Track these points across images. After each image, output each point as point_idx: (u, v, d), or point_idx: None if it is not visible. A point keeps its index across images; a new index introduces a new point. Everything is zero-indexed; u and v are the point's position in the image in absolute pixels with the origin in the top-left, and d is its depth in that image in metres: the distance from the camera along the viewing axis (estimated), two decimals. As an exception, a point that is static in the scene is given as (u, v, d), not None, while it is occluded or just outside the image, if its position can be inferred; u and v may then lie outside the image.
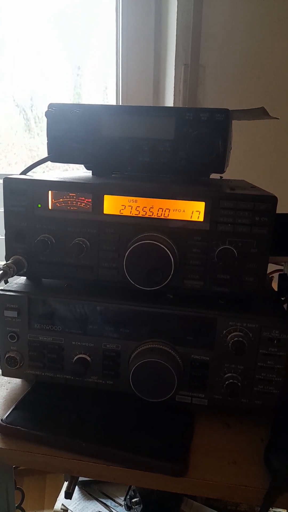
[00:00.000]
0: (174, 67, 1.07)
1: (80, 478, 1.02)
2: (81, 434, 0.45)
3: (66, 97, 1.32)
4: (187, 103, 1.07)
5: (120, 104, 1.18)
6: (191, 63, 1.07)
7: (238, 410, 0.49)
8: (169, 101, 1.10)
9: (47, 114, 0.50)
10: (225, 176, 0.66)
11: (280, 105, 1.09)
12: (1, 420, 0.46)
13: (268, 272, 0.62)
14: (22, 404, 0.49)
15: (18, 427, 0.45)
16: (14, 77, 1.26)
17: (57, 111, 0.50)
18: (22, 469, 0.58)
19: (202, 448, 0.46)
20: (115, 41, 1.18)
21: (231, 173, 0.64)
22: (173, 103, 1.08)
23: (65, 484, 0.69)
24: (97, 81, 1.31)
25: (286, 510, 0.63)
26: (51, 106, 0.50)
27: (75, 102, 1.34)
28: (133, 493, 0.91)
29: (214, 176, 0.61)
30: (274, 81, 1.09)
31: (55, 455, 0.44)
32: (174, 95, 1.08)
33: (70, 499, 0.51)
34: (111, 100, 1.25)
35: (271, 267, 0.62)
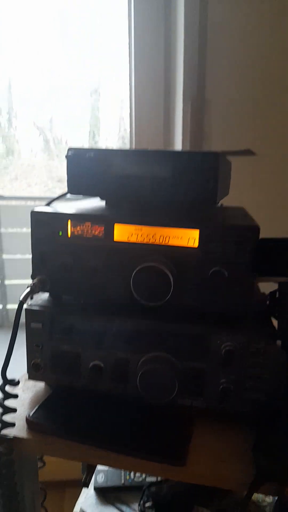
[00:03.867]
0: (182, 102, 1.17)
1: (97, 485, 1.08)
2: (95, 431, 0.53)
3: (85, 119, 1.42)
4: (194, 135, 1.17)
5: (134, 135, 1.29)
6: (197, 97, 1.17)
7: (231, 414, 0.56)
8: (178, 133, 1.19)
9: (67, 156, 0.60)
10: (230, 201, 0.74)
11: (281, 137, 1.17)
12: (28, 415, 0.54)
13: (269, 291, 0.69)
14: (46, 404, 0.58)
15: (42, 422, 0.53)
16: (34, 99, 1.36)
17: (75, 155, 0.59)
18: (40, 481, 0.65)
19: (201, 445, 0.53)
20: (128, 74, 1.30)
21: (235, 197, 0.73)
22: (182, 135, 1.17)
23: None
24: (113, 108, 1.42)
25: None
26: (70, 150, 0.60)
27: (93, 124, 1.45)
28: (146, 499, 0.97)
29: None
30: (275, 111, 1.17)
31: (74, 446, 0.52)
32: (182, 127, 1.17)
33: (87, 487, 0.58)
34: (126, 125, 1.36)
35: (271, 287, 0.69)
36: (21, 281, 1.45)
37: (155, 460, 0.50)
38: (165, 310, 0.57)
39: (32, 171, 1.48)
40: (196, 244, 0.54)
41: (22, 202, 1.43)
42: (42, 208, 0.61)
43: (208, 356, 0.55)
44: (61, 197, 0.63)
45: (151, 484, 0.99)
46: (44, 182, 1.48)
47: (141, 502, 0.98)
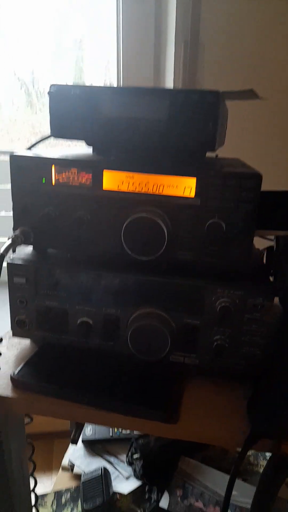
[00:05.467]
0: (174, 45, 1.08)
1: (86, 438, 1.10)
2: (85, 388, 0.51)
3: (68, 71, 1.32)
4: (186, 81, 1.09)
5: (121, 81, 1.19)
6: (191, 40, 1.08)
7: (226, 369, 0.54)
8: (169, 79, 1.11)
9: (49, 94, 0.53)
10: (222, 154, 0.69)
11: (277, 85, 1.10)
12: (13, 374, 0.52)
13: (261, 248, 0.66)
14: (32, 362, 0.55)
15: (28, 380, 0.51)
16: (15, 51, 1.25)
17: (58, 92, 0.53)
18: (28, 434, 0.65)
19: (193, 401, 0.51)
20: (116, 16, 1.18)
21: (228, 152, 0.67)
22: (173, 81, 1.09)
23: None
24: (99, 55, 1.31)
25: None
26: (52, 87, 0.53)
27: (78, 76, 1.35)
28: (134, 450, 0.99)
29: (210, 154, 0.64)
30: (272, 60, 1.10)
31: (62, 404, 0.50)
32: (174, 72, 1.09)
33: (76, 444, 0.57)
34: (113, 75, 1.26)
35: (264, 243, 0.66)
36: (4, 239, 1.39)
37: (146, 418, 0.48)
38: (158, 265, 0.54)
39: (14, 126, 1.39)
40: (192, 194, 0.50)
41: (6, 158, 1.34)
42: (23, 152, 0.55)
43: (203, 312, 0.52)
44: (44, 140, 0.57)
45: (139, 436, 1.00)
46: (27, 138, 1.39)
47: (129, 453, 1.00)
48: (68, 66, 1.32)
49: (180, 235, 0.51)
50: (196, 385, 0.54)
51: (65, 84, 0.53)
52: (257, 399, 0.50)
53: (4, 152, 1.36)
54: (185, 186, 0.50)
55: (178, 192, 0.50)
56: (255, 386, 0.52)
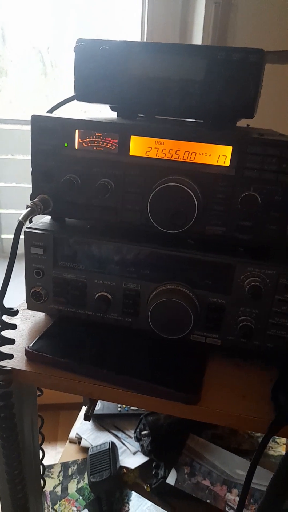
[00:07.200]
0: (204, 6, 1.01)
1: (94, 412, 1.10)
2: (102, 364, 0.49)
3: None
4: (216, 45, 1.02)
5: (145, 45, 1.13)
6: (223, 1, 1.01)
7: (250, 352, 0.52)
8: (197, 42, 1.05)
9: (75, 49, 0.49)
10: (251, 125, 0.65)
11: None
12: (28, 347, 0.50)
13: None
14: (47, 335, 0.53)
15: (43, 354, 0.49)
16: (30, 16, 1.19)
17: (85, 47, 0.49)
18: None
19: (214, 383, 0.49)
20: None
21: (257, 122, 0.63)
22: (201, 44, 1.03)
23: (81, 414, 0.73)
24: (115, 21, 1.24)
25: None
26: (79, 41, 0.49)
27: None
28: (143, 427, 0.98)
29: (240, 124, 0.59)
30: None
31: (78, 379, 0.48)
32: (202, 36, 1.02)
33: (89, 421, 0.56)
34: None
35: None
36: (15, 211, 1.37)
37: (166, 398, 0.46)
38: (184, 238, 0.50)
39: (27, 95, 1.34)
40: (227, 163, 0.46)
41: (18, 126, 1.30)
42: (45, 113, 0.51)
43: (230, 291, 0.49)
44: (67, 101, 0.53)
45: (148, 413, 1.00)
46: (40, 108, 1.35)
47: (137, 430, 1.00)
48: (81, 34, 1.24)
49: (211, 208, 0.48)
50: (218, 366, 0.52)
51: (93, 38, 0.49)
52: (283, 384, 0.47)
53: (19, 121, 1.31)
54: (219, 155, 0.46)
55: (212, 161, 0.46)
56: (281, 370, 0.50)
